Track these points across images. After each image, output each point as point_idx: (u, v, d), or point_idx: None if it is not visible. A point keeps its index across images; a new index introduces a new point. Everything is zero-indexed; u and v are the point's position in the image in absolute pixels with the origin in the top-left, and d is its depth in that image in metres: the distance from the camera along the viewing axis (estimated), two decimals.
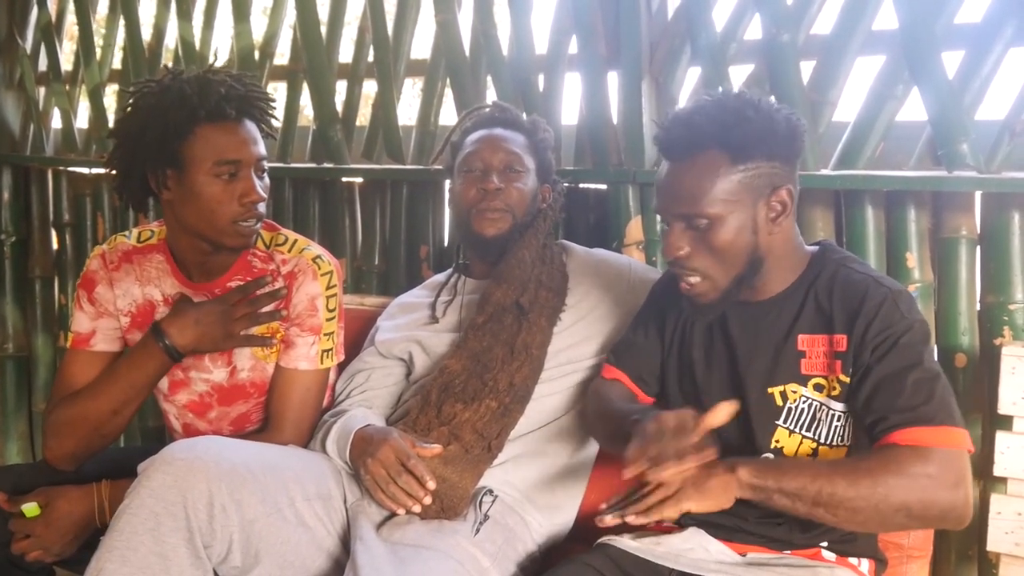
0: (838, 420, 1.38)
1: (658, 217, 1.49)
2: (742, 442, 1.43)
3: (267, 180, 1.68)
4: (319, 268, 1.73)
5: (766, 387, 1.42)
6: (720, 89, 1.40)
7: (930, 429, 1.27)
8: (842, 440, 1.39)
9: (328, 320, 1.73)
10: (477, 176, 1.80)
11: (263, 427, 1.77)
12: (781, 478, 1.28)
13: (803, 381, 1.40)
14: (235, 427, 1.80)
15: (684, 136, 1.36)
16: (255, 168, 1.63)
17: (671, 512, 1.29)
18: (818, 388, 1.39)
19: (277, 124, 1.95)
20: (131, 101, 1.65)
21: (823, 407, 1.39)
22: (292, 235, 1.78)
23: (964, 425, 1.31)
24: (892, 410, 1.29)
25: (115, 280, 1.76)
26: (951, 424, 1.28)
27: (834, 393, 1.38)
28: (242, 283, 1.71)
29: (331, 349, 1.75)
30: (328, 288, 1.73)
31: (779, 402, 1.41)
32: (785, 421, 1.41)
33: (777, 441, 1.41)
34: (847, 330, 1.35)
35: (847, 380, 1.36)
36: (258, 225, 1.67)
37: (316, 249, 1.76)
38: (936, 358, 1.79)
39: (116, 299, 1.76)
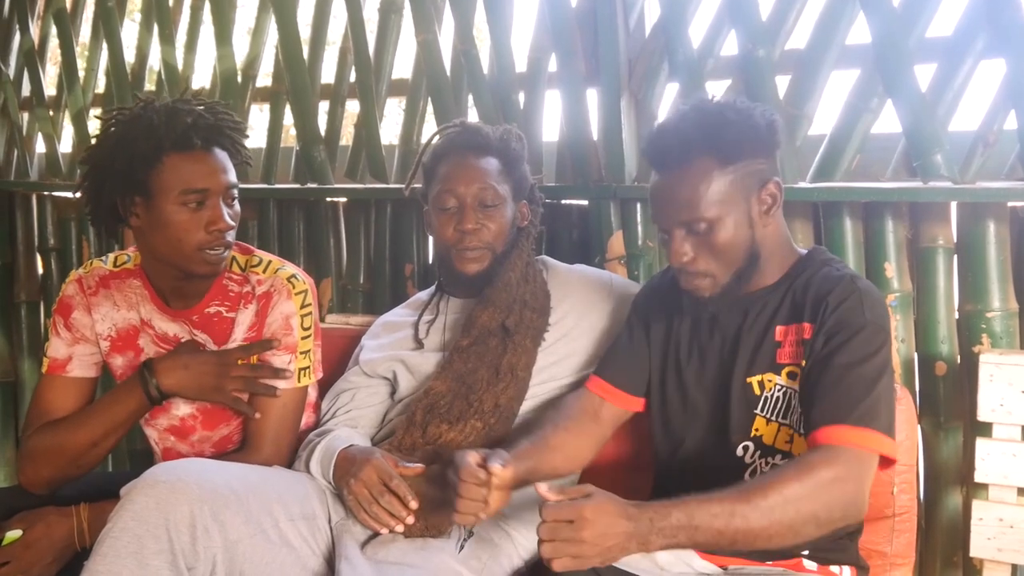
0: None
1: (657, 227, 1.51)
2: (722, 432, 1.46)
3: (238, 207, 1.69)
4: (293, 287, 1.73)
5: (746, 376, 1.45)
6: (697, 97, 1.43)
7: (848, 428, 1.28)
8: None
9: (304, 338, 1.74)
10: (453, 214, 1.78)
11: (242, 446, 1.77)
12: (694, 534, 1.24)
13: (778, 370, 1.43)
14: (217, 449, 1.80)
15: (673, 146, 1.41)
16: (224, 196, 1.64)
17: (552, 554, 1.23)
18: (791, 376, 1.42)
19: (255, 149, 1.95)
20: (101, 129, 1.67)
21: (797, 395, 1.41)
22: (267, 256, 1.79)
23: (891, 432, 1.31)
24: (822, 404, 1.31)
25: (93, 305, 1.75)
26: (873, 427, 1.29)
27: None
28: (245, 344, 1.71)
29: (308, 367, 1.76)
30: (303, 307, 1.73)
31: (757, 391, 1.44)
32: (762, 410, 1.44)
33: (756, 429, 1.44)
34: (813, 319, 1.38)
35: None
36: (226, 253, 1.67)
37: (291, 268, 1.77)
38: (918, 365, 1.84)
39: (95, 324, 1.75)
